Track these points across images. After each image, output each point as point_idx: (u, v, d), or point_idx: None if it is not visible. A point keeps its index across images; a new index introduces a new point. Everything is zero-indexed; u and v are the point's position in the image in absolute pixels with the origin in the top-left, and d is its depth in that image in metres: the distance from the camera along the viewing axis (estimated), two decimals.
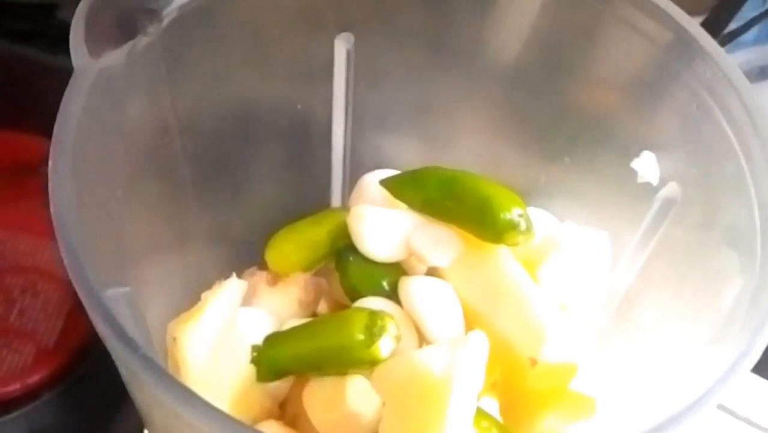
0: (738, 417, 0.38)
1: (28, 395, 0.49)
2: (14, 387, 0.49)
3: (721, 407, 0.38)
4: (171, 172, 0.41)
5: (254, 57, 0.42)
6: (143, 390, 0.30)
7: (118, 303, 0.33)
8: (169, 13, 0.36)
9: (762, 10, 0.62)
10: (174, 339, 0.39)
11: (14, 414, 0.49)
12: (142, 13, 0.35)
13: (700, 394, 0.28)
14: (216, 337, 0.40)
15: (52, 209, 0.29)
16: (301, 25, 0.43)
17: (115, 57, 0.34)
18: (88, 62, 0.32)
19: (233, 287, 0.42)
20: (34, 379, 0.49)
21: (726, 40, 0.61)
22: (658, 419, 0.28)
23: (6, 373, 0.49)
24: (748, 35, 0.69)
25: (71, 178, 0.30)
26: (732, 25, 0.62)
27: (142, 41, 0.35)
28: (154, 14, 0.35)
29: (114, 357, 0.29)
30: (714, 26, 0.57)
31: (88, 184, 0.32)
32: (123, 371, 0.29)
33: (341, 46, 0.44)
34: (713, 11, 0.57)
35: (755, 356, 0.29)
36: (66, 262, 0.28)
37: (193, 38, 0.38)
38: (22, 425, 0.49)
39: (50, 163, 0.30)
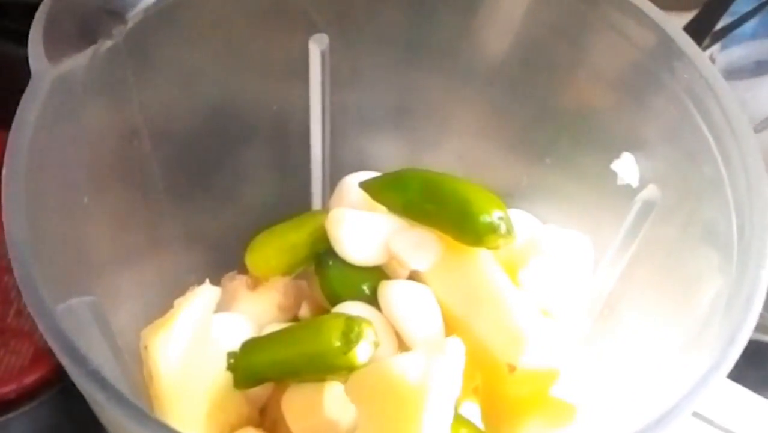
0: (715, 426, 0.37)
1: (26, 396, 0.49)
2: (11, 388, 0.49)
3: (698, 415, 0.38)
4: (142, 178, 0.40)
5: (226, 58, 0.42)
6: (98, 410, 0.29)
7: (82, 313, 0.33)
8: (135, 15, 0.35)
9: (756, 3, 0.61)
10: (146, 347, 0.39)
11: (11, 415, 0.48)
12: (105, 15, 0.34)
13: (670, 406, 0.27)
14: (189, 344, 0.40)
15: (3, 218, 0.29)
16: (274, 26, 0.42)
17: (75, 61, 0.33)
18: (47, 66, 0.32)
19: (206, 293, 0.41)
20: (31, 379, 0.49)
21: (720, 34, 0.61)
22: (630, 430, 0.27)
23: (3, 373, 0.49)
24: (745, 30, 0.68)
25: (26, 187, 0.29)
26: (727, 20, 0.61)
27: (105, 44, 0.34)
28: (117, 17, 0.34)
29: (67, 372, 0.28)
30: (706, 21, 0.56)
31: (47, 191, 0.32)
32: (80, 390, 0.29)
33: (315, 48, 0.43)
34: (706, 6, 0.56)
35: (727, 366, 0.28)
36: (16, 274, 0.28)
37: (160, 40, 0.38)
38: (19, 425, 0.49)
39: (3, 170, 0.29)
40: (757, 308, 0.29)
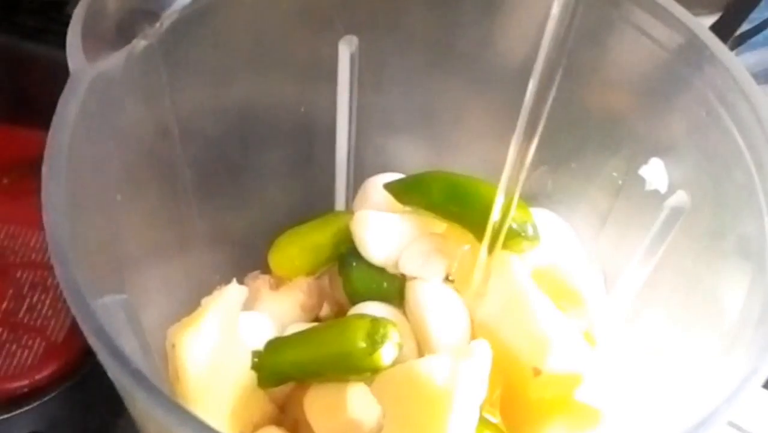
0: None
1: (37, 391, 0.49)
2: (23, 383, 0.49)
3: (732, 424, 0.38)
4: (172, 176, 0.41)
5: (257, 59, 0.42)
6: (136, 405, 0.29)
7: (115, 311, 0.33)
8: (169, 15, 0.35)
9: None
10: (173, 346, 0.39)
11: (23, 409, 0.49)
12: (141, 15, 0.34)
13: (707, 413, 0.27)
14: (216, 343, 0.40)
15: (44, 217, 0.29)
16: (305, 28, 0.42)
17: (112, 60, 0.33)
18: (85, 66, 0.32)
19: (233, 292, 0.41)
20: (42, 375, 0.49)
21: (740, 41, 0.61)
22: None
23: (15, 368, 0.49)
24: (759, 37, 0.68)
25: (65, 184, 0.29)
26: (745, 26, 0.61)
27: (140, 44, 0.35)
28: (153, 17, 0.35)
29: (107, 370, 0.28)
30: (727, 28, 0.56)
31: (84, 189, 0.32)
32: (116, 384, 0.29)
33: (345, 49, 0.43)
34: (726, 13, 0.56)
35: (764, 373, 0.28)
36: (57, 273, 0.28)
37: (193, 41, 0.38)
38: (30, 420, 0.49)
39: (44, 169, 0.30)
40: None
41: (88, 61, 0.32)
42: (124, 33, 0.34)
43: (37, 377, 0.49)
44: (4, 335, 0.50)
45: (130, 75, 0.35)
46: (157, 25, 0.35)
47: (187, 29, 0.37)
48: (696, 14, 0.58)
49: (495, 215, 0.38)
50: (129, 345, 0.35)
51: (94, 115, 0.32)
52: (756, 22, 0.61)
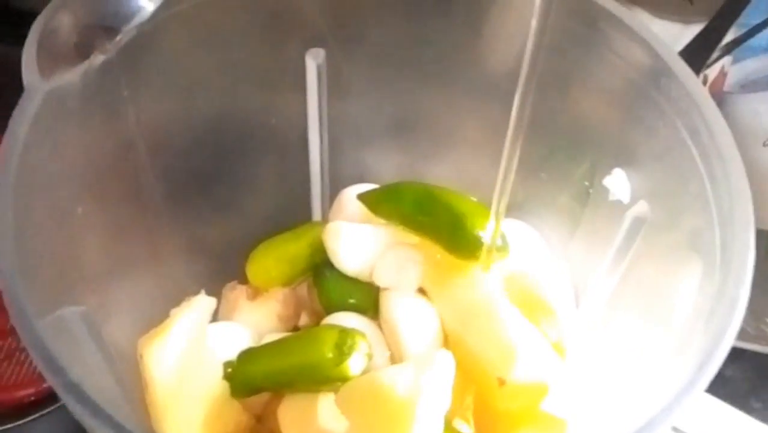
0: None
1: (44, 400, 0.50)
2: (30, 391, 0.50)
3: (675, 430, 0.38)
4: (139, 189, 0.41)
5: (222, 72, 0.42)
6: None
7: (74, 323, 0.34)
8: (129, 30, 0.36)
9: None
10: (141, 356, 0.40)
11: (30, 418, 0.49)
12: (100, 31, 0.35)
13: (644, 422, 0.27)
14: (184, 353, 0.40)
15: None
16: (269, 41, 0.42)
17: (68, 76, 0.34)
18: (39, 81, 0.32)
19: (202, 303, 0.42)
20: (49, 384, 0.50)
21: (732, 46, 0.60)
22: None
23: (22, 377, 0.50)
24: (760, 43, 0.67)
25: (13, 202, 0.30)
26: (739, 31, 0.61)
27: (98, 59, 0.35)
28: (111, 32, 0.35)
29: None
30: (715, 32, 0.56)
31: (37, 203, 0.32)
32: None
33: (312, 62, 0.43)
34: (714, 18, 0.56)
35: (704, 381, 0.28)
36: (2, 288, 0.28)
37: (155, 55, 0.38)
38: (37, 429, 0.50)
39: None
40: (735, 326, 0.29)
41: (44, 77, 0.33)
42: (83, 49, 0.35)
43: (44, 385, 0.50)
44: (13, 344, 0.51)
45: (89, 89, 0.35)
46: (117, 39, 0.35)
47: (147, 43, 0.37)
48: (689, 22, 0.58)
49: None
50: (90, 356, 0.35)
51: (49, 129, 0.33)
52: (749, 27, 0.61)
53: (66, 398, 0.27)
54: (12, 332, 0.51)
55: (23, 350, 0.51)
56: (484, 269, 0.41)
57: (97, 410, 0.26)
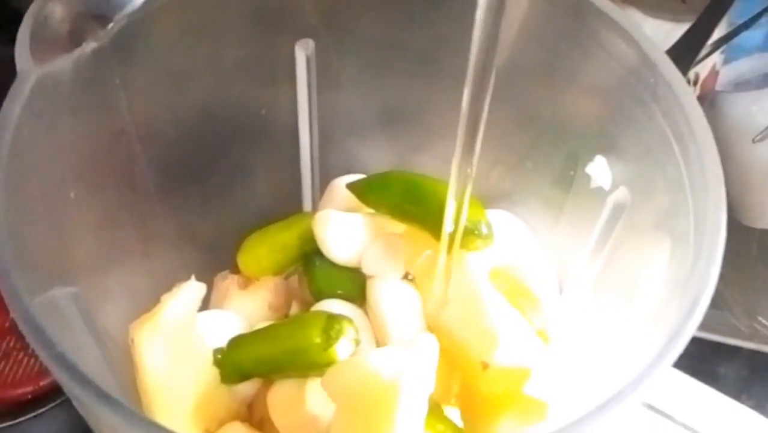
0: (677, 422, 0.38)
1: (42, 398, 0.51)
2: (28, 390, 0.50)
3: (650, 407, 0.38)
4: (131, 177, 0.42)
5: (213, 61, 0.43)
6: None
7: (65, 304, 0.34)
8: (121, 18, 0.37)
9: (755, 13, 0.61)
10: (132, 340, 0.40)
11: (28, 416, 0.50)
12: (92, 19, 0.36)
13: (608, 398, 0.28)
14: (174, 338, 0.41)
15: None
16: (259, 31, 0.43)
17: (61, 62, 0.35)
18: (31, 67, 0.33)
19: (191, 288, 0.42)
20: (47, 381, 0.51)
21: (721, 42, 0.61)
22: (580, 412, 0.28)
23: (21, 375, 0.51)
24: (753, 42, 0.68)
25: (4, 182, 0.31)
26: (729, 29, 0.62)
27: (91, 46, 0.36)
28: (104, 20, 0.36)
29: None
30: (703, 29, 0.56)
31: (29, 186, 0.33)
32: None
33: (301, 53, 0.44)
34: (701, 16, 0.56)
35: (671, 358, 0.29)
36: None
37: (147, 43, 0.39)
38: (35, 427, 0.50)
39: None
40: (705, 302, 0.30)
41: (36, 63, 0.33)
42: (75, 37, 0.36)
43: (42, 383, 0.51)
44: (12, 342, 0.51)
45: (80, 76, 0.36)
46: (109, 27, 0.36)
47: (140, 31, 0.38)
48: (681, 20, 0.59)
49: (448, 220, 0.38)
50: (82, 338, 0.36)
51: (40, 114, 0.33)
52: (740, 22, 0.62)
53: (56, 371, 0.27)
54: (10, 331, 0.51)
55: (21, 349, 0.51)
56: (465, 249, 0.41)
57: (85, 381, 0.27)
